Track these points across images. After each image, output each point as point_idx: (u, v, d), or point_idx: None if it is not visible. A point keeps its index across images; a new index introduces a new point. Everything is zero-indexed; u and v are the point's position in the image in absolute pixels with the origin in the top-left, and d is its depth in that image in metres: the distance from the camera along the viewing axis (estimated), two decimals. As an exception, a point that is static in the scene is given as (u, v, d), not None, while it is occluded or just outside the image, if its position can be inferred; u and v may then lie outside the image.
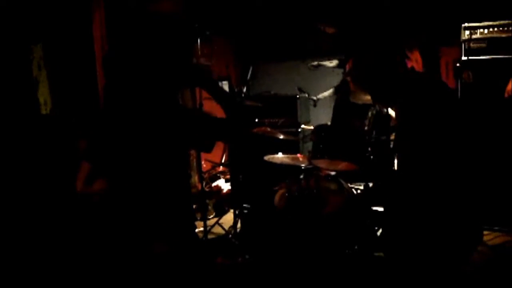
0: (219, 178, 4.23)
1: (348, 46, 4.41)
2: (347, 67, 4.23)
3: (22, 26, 3.42)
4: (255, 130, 3.38)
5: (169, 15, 2.63)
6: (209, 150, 3.05)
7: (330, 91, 4.35)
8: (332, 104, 4.08)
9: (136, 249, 2.38)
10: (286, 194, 2.90)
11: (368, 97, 3.09)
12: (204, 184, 3.54)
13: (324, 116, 4.29)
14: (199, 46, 3.13)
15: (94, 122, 3.29)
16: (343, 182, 2.98)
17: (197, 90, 3.15)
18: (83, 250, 2.86)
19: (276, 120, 3.90)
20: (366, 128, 3.25)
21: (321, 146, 2.84)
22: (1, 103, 3.26)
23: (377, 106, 3.84)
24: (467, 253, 1.76)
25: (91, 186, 2.64)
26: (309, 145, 4.25)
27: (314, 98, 4.41)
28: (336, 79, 4.61)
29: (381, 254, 2.69)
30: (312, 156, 2.90)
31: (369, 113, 3.85)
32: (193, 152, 3.87)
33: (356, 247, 2.71)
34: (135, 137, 2.22)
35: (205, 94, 3.08)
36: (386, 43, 1.72)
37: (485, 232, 3.35)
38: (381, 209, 2.76)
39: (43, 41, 3.60)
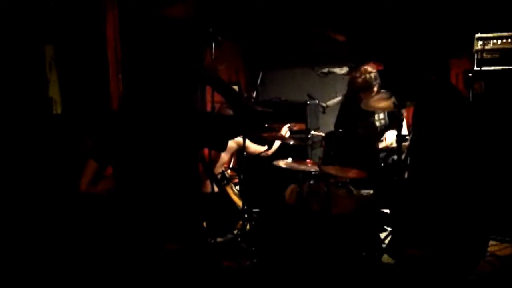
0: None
1: (358, 53, 4.42)
2: (353, 73, 4.23)
3: (35, 26, 3.45)
4: (265, 134, 3.39)
5: (181, 19, 2.66)
6: (222, 149, 3.08)
7: (339, 98, 4.36)
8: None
9: (146, 248, 2.39)
10: (298, 189, 2.93)
11: (379, 105, 3.11)
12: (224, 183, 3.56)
13: (333, 123, 4.30)
14: (213, 50, 3.14)
15: (102, 121, 3.31)
16: (352, 188, 2.99)
17: (209, 91, 3.16)
18: (90, 248, 2.87)
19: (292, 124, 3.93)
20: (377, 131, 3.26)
21: (331, 153, 2.86)
22: (15, 102, 3.29)
23: (386, 117, 3.85)
24: (473, 262, 1.75)
25: (95, 186, 2.66)
26: (317, 152, 4.26)
27: (324, 105, 4.42)
28: (346, 86, 4.62)
29: (389, 259, 2.70)
30: (323, 162, 2.91)
31: (377, 123, 3.86)
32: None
33: (364, 253, 2.71)
34: (148, 137, 2.23)
35: (217, 97, 3.09)
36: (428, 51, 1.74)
37: (494, 243, 3.34)
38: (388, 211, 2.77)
39: (54, 42, 3.63)
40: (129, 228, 2.53)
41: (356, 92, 3.70)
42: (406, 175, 2.60)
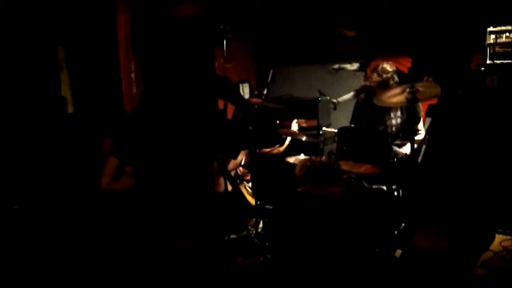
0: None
1: (368, 49, 4.41)
2: (368, 71, 4.23)
3: (48, 27, 3.49)
4: (280, 130, 3.40)
5: (191, 18, 2.68)
6: (234, 156, 3.11)
7: (351, 94, 4.35)
8: (352, 108, 4.09)
9: (161, 245, 2.42)
10: (308, 164, 2.90)
11: (392, 100, 3.10)
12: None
13: (344, 119, 4.29)
14: (224, 48, 3.17)
15: (121, 120, 3.34)
16: (365, 183, 2.99)
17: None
18: (105, 245, 2.90)
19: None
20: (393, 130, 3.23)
21: (344, 148, 2.86)
22: (29, 101, 3.33)
23: (404, 112, 3.82)
24: (478, 254, 1.75)
25: (116, 183, 2.69)
26: (329, 148, 4.26)
27: (335, 101, 4.42)
28: (356, 82, 4.61)
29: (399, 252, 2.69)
30: (336, 158, 2.91)
31: (393, 121, 3.82)
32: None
33: (377, 249, 2.71)
34: (167, 137, 2.26)
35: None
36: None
37: (507, 237, 3.33)
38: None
39: (65, 43, 3.66)
40: (146, 226, 2.55)
41: (373, 89, 3.70)
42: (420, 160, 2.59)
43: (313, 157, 2.91)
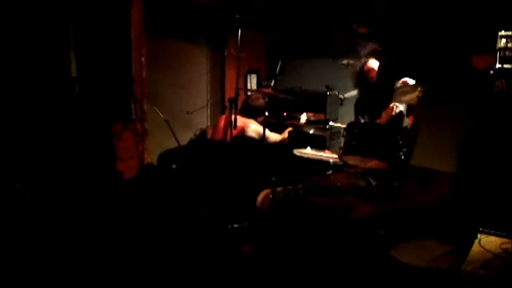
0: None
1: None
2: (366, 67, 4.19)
3: (61, 8, 3.48)
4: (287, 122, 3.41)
5: (206, 5, 2.69)
6: None
7: (357, 90, 4.38)
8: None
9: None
10: (270, 196, 2.58)
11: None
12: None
13: (350, 115, 4.32)
14: (238, 37, 3.17)
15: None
16: (372, 180, 3.01)
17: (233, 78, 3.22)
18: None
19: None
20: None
21: (353, 143, 2.87)
22: (40, 80, 3.34)
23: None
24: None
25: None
26: (335, 142, 4.29)
27: (341, 97, 4.44)
28: (364, 79, 4.62)
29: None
30: (343, 152, 2.93)
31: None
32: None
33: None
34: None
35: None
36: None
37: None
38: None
39: (75, 24, 3.66)
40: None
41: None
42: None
43: (277, 188, 2.58)
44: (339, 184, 2.65)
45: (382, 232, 1.77)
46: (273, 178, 3.00)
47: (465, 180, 1.52)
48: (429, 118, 1.56)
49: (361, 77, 3.99)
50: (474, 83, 1.66)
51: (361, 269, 1.85)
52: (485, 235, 3.47)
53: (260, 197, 2.67)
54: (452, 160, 1.49)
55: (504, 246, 3.34)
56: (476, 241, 3.38)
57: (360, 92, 4.20)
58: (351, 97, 4.41)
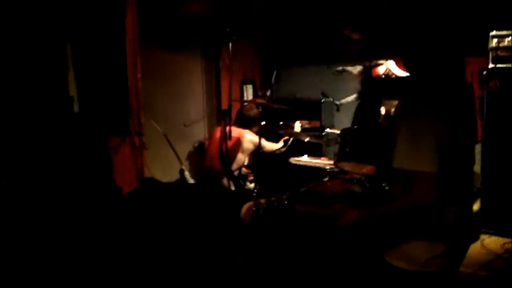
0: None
1: (372, 52, 4.43)
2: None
3: (57, 24, 3.50)
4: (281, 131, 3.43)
5: (199, 16, 2.70)
6: None
7: (353, 96, 4.38)
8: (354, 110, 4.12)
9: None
10: (254, 208, 2.57)
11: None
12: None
13: (347, 121, 4.33)
14: (230, 50, 3.20)
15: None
16: (367, 185, 3.01)
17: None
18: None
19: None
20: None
21: (347, 149, 2.87)
22: (37, 99, 3.35)
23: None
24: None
25: None
26: (331, 149, 4.29)
27: (337, 103, 4.44)
28: (360, 84, 4.63)
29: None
30: (338, 159, 2.93)
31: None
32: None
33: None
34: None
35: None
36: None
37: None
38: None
39: (72, 40, 3.68)
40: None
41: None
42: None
43: (260, 200, 2.56)
44: (334, 191, 2.66)
45: (371, 236, 1.77)
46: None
47: (447, 179, 1.53)
48: (408, 122, 1.58)
49: (366, 82, 3.99)
50: (452, 87, 1.67)
51: (355, 275, 1.85)
52: (488, 236, 3.45)
53: (243, 209, 2.64)
54: (431, 160, 1.51)
55: (507, 246, 3.33)
56: (478, 242, 3.36)
57: (360, 98, 4.20)
58: (348, 103, 4.42)
